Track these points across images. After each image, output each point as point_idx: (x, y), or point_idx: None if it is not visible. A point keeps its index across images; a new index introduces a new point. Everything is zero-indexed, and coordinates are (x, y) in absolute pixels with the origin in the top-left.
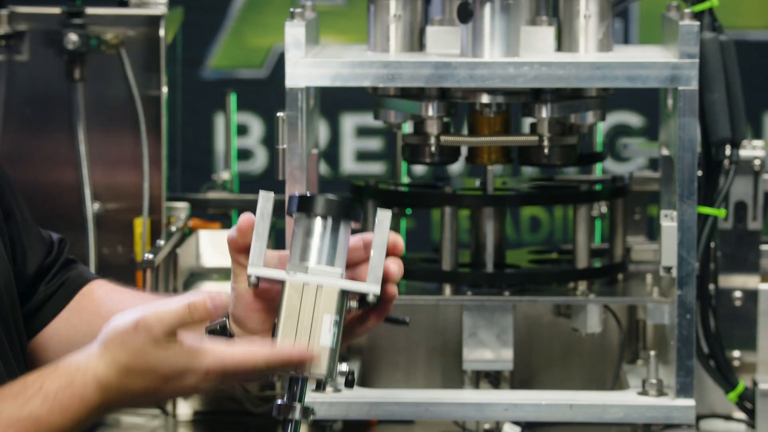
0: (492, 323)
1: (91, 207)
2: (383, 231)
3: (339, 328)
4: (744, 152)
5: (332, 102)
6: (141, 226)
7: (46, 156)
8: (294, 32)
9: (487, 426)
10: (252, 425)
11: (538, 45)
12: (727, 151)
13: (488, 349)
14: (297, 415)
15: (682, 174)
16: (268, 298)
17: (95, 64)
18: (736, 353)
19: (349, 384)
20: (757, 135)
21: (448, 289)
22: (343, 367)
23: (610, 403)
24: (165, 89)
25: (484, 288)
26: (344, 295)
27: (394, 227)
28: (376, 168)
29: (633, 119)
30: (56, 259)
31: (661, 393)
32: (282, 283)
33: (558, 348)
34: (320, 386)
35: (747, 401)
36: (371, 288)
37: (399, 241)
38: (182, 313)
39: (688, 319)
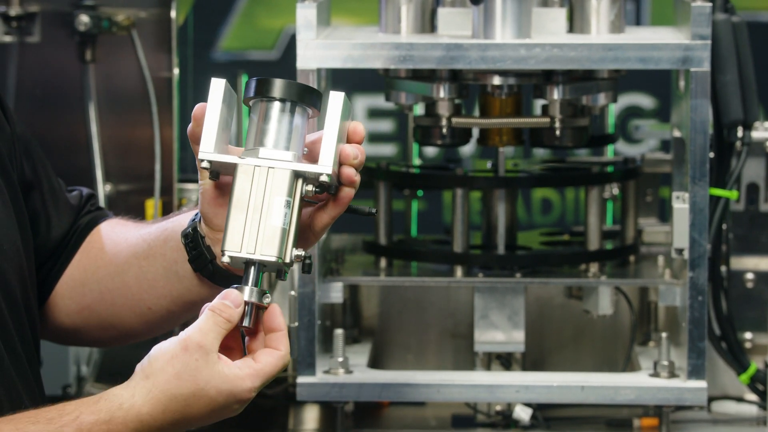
0: (503, 305)
1: (103, 188)
2: (335, 113)
3: (291, 209)
4: (756, 134)
5: (343, 84)
6: (153, 207)
7: (57, 138)
8: (305, 14)
9: (498, 408)
10: (263, 406)
11: (549, 26)
12: (739, 132)
13: (500, 331)
14: (254, 297)
15: (694, 156)
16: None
17: (106, 45)
18: (748, 335)
19: (306, 269)
20: None
21: (459, 271)
22: (299, 251)
23: (622, 385)
24: (176, 71)
25: (496, 270)
26: (296, 177)
27: (355, 118)
28: (387, 150)
29: (645, 101)
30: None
31: (672, 375)
32: (234, 167)
33: (569, 330)
34: (280, 274)
35: (759, 383)
36: (323, 169)
37: (359, 127)
38: (218, 321)
39: (700, 300)
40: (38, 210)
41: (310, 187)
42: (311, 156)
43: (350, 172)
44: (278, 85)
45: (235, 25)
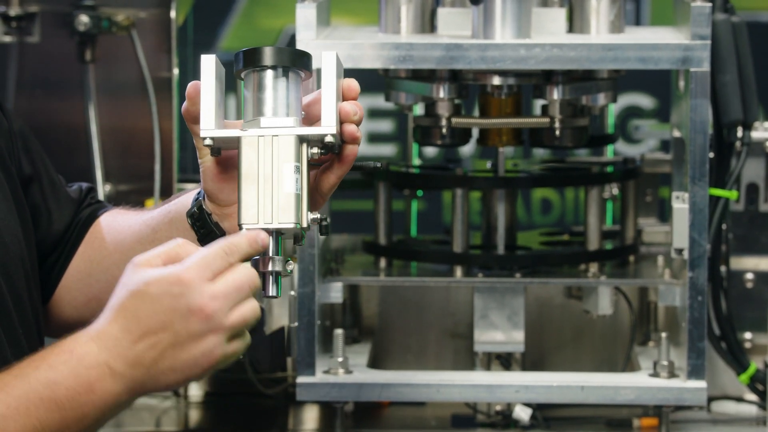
0: (503, 305)
1: (103, 188)
2: (330, 73)
3: (301, 174)
4: (756, 134)
5: None
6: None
7: (57, 138)
8: (305, 14)
9: (498, 408)
10: (263, 406)
11: (549, 26)
12: (739, 132)
13: (499, 331)
14: (277, 266)
15: (694, 156)
16: (233, 165)
17: (106, 45)
18: (748, 335)
19: (324, 230)
20: None
21: (459, 271)
22: (315, 214)
23: (622, 385)
24: (176, 71)
25: (496, 270)
26: (301, 141)
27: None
28: (387, 150)
29: (644, 101)
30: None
31: (672, 375)
32: (238, 140)
33: (569, 330)
34: (297, 240)
35: (758, 383)
36: (327, 129)
37: (353, 83)
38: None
39: (700, 300)
40: (38, 204)
41: (315, 150)
42: (309, 118)
43: (352, 129)
44: (268, 53)
45: (235, 25)
